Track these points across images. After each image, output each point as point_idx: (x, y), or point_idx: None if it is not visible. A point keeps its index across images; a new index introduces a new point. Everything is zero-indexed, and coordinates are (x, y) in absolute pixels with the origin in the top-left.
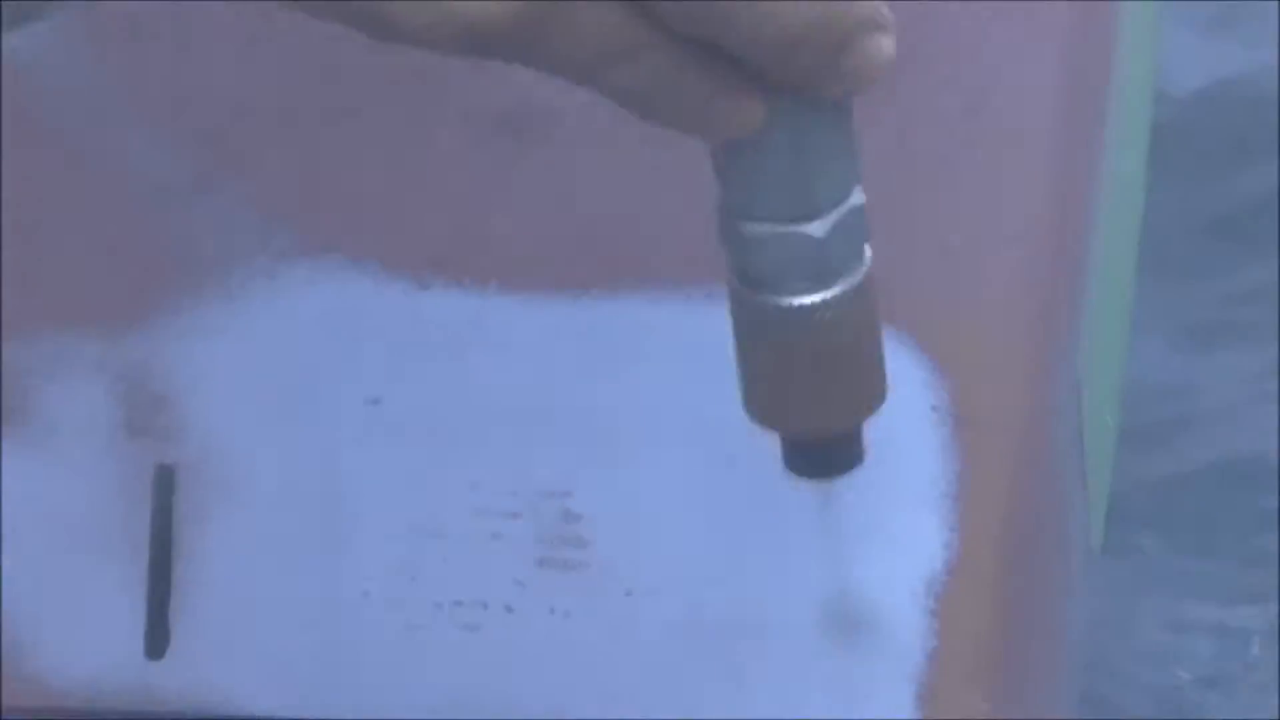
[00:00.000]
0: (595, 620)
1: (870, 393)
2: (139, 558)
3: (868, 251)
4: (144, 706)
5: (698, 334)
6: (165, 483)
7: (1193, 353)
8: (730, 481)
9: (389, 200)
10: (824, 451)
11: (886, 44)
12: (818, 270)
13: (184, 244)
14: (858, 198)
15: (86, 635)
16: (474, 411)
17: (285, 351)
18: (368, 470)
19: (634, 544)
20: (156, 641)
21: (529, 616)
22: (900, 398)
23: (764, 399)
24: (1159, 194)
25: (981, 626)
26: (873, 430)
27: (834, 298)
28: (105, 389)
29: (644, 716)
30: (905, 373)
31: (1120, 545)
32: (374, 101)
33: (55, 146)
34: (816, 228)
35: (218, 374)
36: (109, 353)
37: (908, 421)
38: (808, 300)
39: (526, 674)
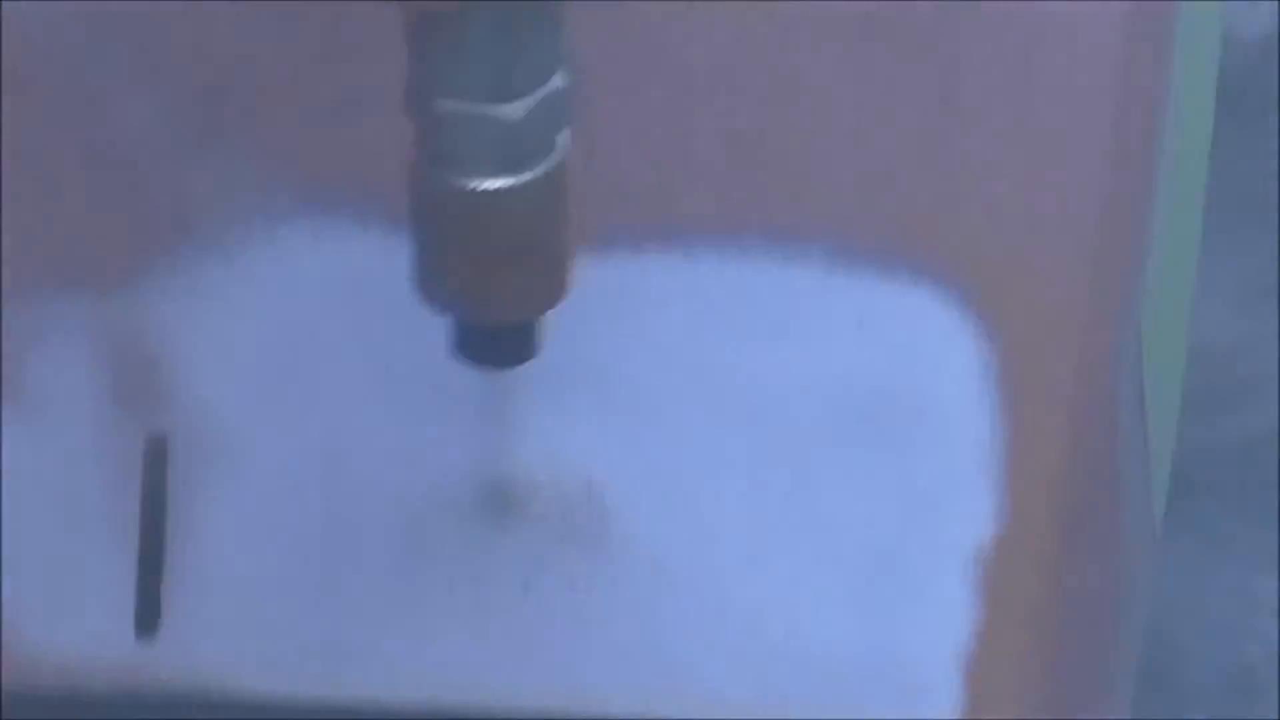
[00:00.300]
0: (618, 598)
1: (550, 287)
2: (130, 531)
3: (564, 139)
4: (133, 686)
5: (724, 292)
6: (157, 454)
7: (1261, 312)
8: (764, 445)
9: (397, 155)
10: (496, 340)
11: None
12: (510, 154)
13: (179, 201)
14: (560, 81)
15: (75, 612)
16: (489, 376)
17: (287, 315)
18: (374, 440)
19: (661, 518)
20: (147, 618)
21: (548, 595)
22: (946, 357)
23: (437, 281)
24: (1226, 145)
25: (1031, 599)
26: (917, 391)
27: (523, 185)
28: (93, 354)
29: (675, 701)
30: (952, 330)
31: (1185, 516)
32: (380, 54)
33: (45, 98)
34: (513, 110)
35: (214, 339)
36: (97, 316)
37: (954, 383)
38: (495, 185)
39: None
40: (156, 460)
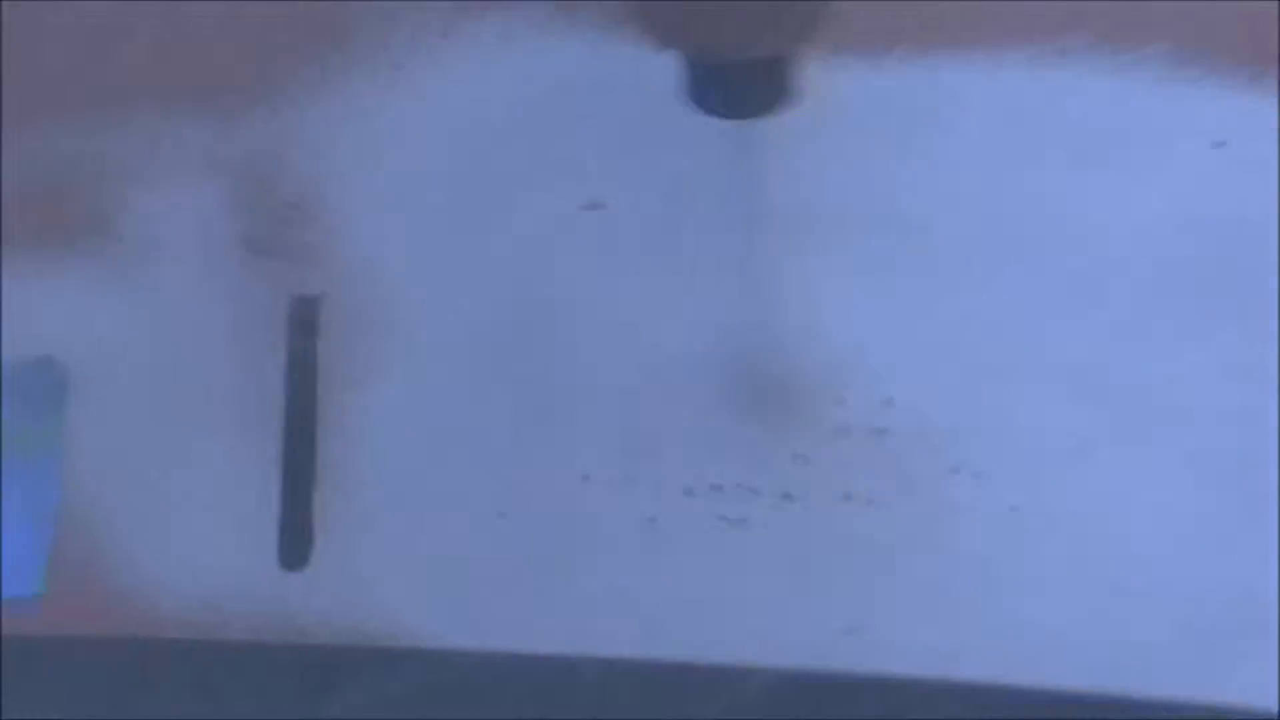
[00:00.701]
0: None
1: (799, 17)
2: (269, 429)
3: None
4: (277, 631)
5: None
6: (305, 321)
7: None
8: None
9: None
10: (738, 77)
11: None
12: None
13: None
14: None
15: (202, 539)
16: (727, 220)
17: (466, 139)
18: (584, 302)
19: (974, 426)
20: (295, 547)
21: (815, 506)
22: None
23: (667, 6)
24: None
25: None
26: None
27: None
28: (218, 192)
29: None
30: None
31: None
32: None
33: None
34: None
35: (371, 171)
36: (222, 144)
37: None
38: None
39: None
40: (304, 329)
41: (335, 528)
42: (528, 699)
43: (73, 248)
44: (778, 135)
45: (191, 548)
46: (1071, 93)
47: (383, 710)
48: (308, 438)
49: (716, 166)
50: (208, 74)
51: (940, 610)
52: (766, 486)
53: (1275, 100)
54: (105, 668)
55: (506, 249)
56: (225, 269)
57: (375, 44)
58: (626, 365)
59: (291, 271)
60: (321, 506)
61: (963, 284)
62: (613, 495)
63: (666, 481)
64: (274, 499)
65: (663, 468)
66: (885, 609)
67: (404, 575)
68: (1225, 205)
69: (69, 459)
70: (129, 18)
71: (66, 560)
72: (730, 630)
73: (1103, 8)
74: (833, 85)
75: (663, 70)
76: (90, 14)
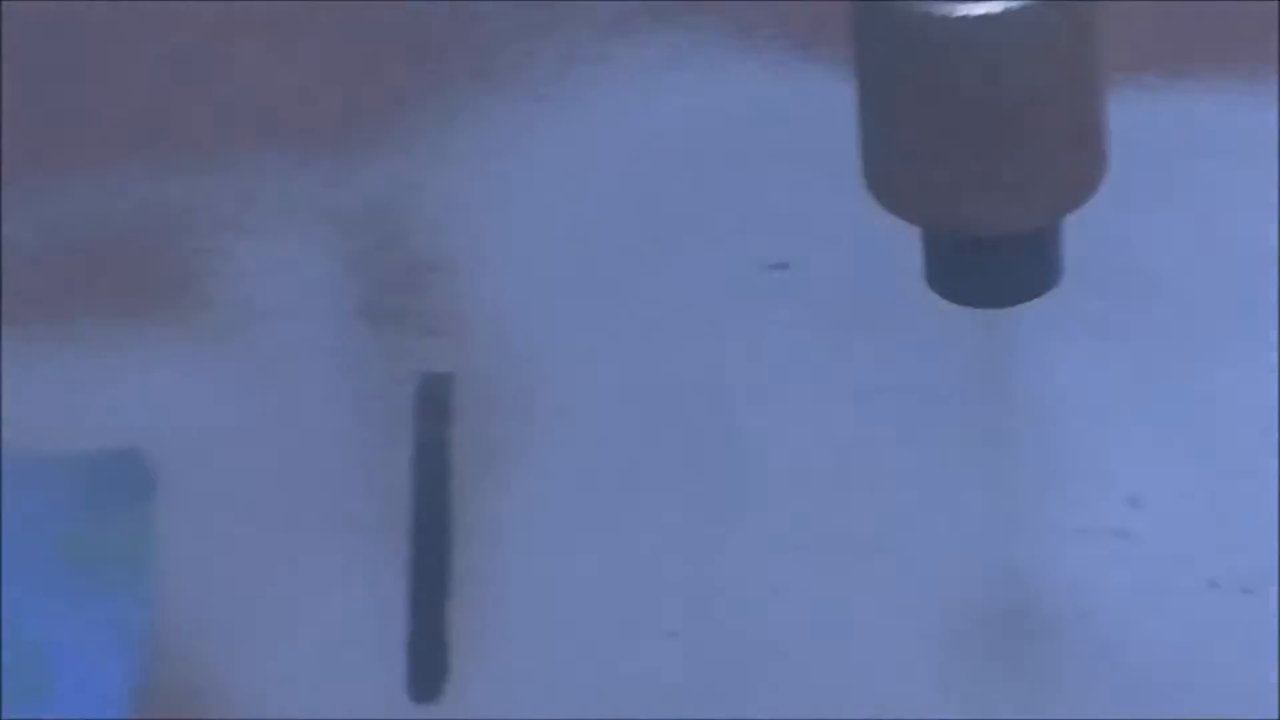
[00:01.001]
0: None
1: (1075, 171)
2: (394, 531)
3: None
4: None
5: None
6: (435, 402)
7: None
8: None
9: None
10: (990, 259)
11: None
12: None
13: (457, 10)
14: None
15: (315, 664)
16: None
17: (625, 183)
18: (767, 379)
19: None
20: (427, 674)
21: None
22: None
23: (896, 165)
24: None
25: None
26: None
27: (1018, 10)
28: (331, 248)
29: None
30: None
31: None
32: None
33: None
34: None
35: (512, 223)
36: (335, 190)
37: None
38: (977, 10)
39: None
40: (435, 411)
41: (474, 650)
42: None
43: (158, 316)
44: None
45: (303, 675)
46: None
47: None
48: (440, 541)
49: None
50: (318, 107)
51: None
52: None
53: None
54: None
55: (674, 315)
56: (340, 341)
57: (516, 71)
58: (819, 453)
59: (419, 344)
60: (457, 624)
61: (1213, 353)
62: (807, 609)
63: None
64: (401, 616)
65: (861, 570)
66: None
67: (556, 707)
68: None
69: (159, 569)
70: (224, 41)
71: (157, 689)
72: None
73: None
74: None
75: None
76: (176, 37)
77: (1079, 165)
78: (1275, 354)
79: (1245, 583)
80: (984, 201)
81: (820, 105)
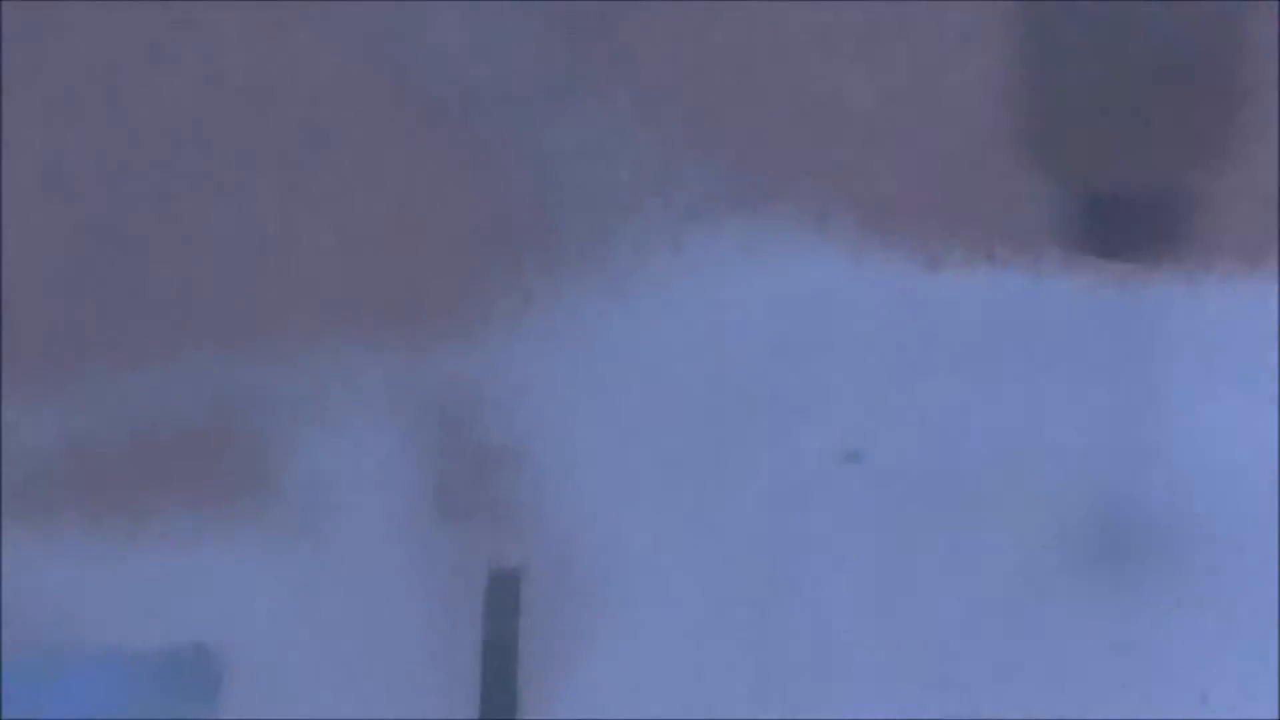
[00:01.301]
0: None
1: (1213, 130)
2: None
3: None
4: None
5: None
6: (504, 598)
7: None
8: None
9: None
10: (1129, 212)
11: None
12: None
13: (528, 196)
14: None
15: None
16: (1003, 464)
17: (698, 372)
18: (838, 573)
19: None
20: None
21: None
22: None
23: (1044, 118)
24: None
25: None
26: None
27: None
28: (403, 438)
29: None
30: None
31: None
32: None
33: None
34: None
35: (584, 413)
36: (408, 379)
37: None
38: None
39: None
40: (504, 610)
41: None
42: None
43: (228, 506)
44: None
45: None
46: None
47: None
48: None
49: (985, 407)
50: (391, 295)
51: None
52: None
53: None
54: None
55: (745, 506)
56: (411, 533)
57: (591, 260)
58: (889, 644)
59: (489, 537)
60: None
61: None
62: None
63: None
64: None
65: None
66: None
67: None
68: None
69: None
70: (294, 230)
71: None
72: None
73: None
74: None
75: (929, 289)
76: (247, 227)
77: (1205, 137)
78: None
79: None
80: (1135, 160)
81: (893, 292)
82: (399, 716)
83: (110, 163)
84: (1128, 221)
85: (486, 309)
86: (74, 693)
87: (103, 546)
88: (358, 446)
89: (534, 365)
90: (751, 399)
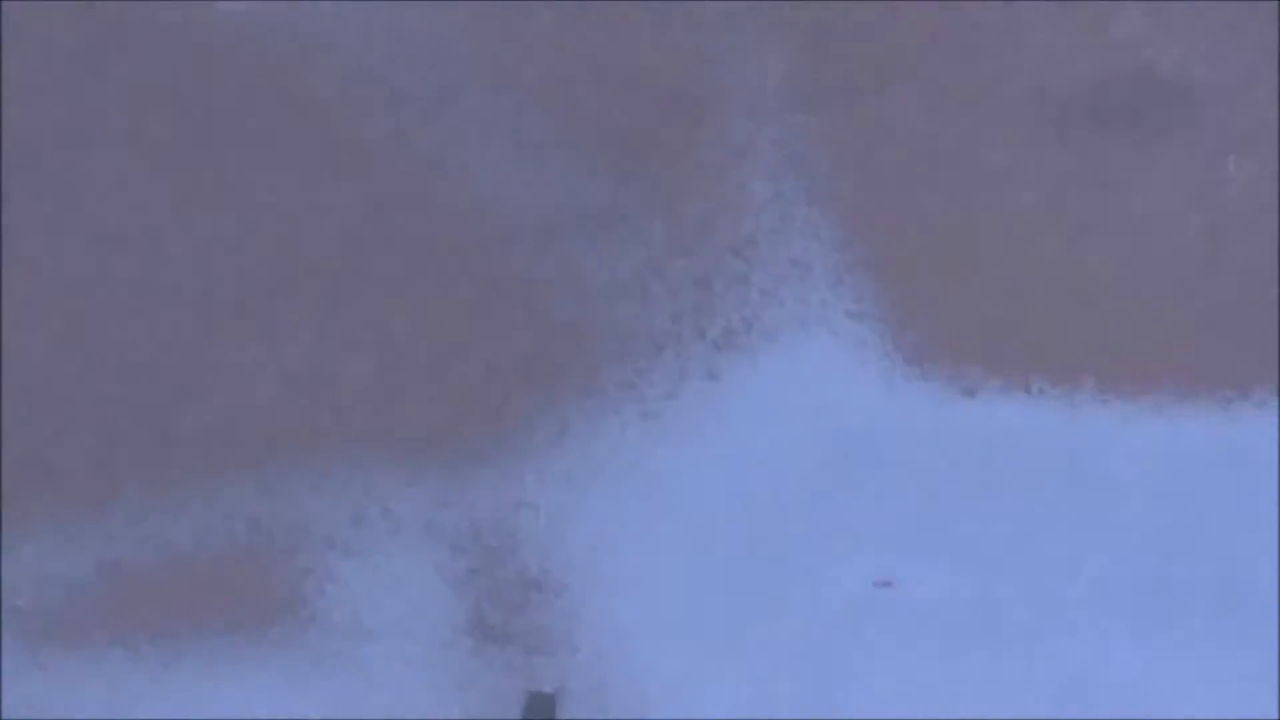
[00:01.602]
0: None
1: None
2: None
3: None
4: None
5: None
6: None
7: None
8: None
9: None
10: None
11: None
12: None
13: (565, 326)
14: None
15: None
16: (1045, 596)
17: (734, 501)
18: (877, 700)
19: None
20: None
21: None
22: None
23: None
24: None
25: None
26: None
27: None
28: (438, 567)
29: None
30: None
31: None
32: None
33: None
34: None
35: (619, 541)
36: (443, 507)
37: None
38: None
39: None
40: None
41: None
42: None
43: (264, 633)
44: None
45: None
46: None
47: None
48: None
49: (1028, 532)
50: (428, 424)
51: None
52: None
53: None
54: None
55: (782, 634)
56: (447, 659)
57: (626, 389)
58: None
59: (525, 662)
60: None
61: None
62: None
63: None
64: None
65: None
66: None
67: None
68: None
69: None
70: (332, 358)
71: None
72: None
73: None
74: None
75: (967, 417)
76: (286, 354)
77: None
78: None
79: None
80: None
81: (929, 422)
82: None
83: (149, 290)
84: None
85: (524, 439)
86: None
87: (138, 673)
88: (394, 574)
89: (571, 494)
90: (786, 528)
